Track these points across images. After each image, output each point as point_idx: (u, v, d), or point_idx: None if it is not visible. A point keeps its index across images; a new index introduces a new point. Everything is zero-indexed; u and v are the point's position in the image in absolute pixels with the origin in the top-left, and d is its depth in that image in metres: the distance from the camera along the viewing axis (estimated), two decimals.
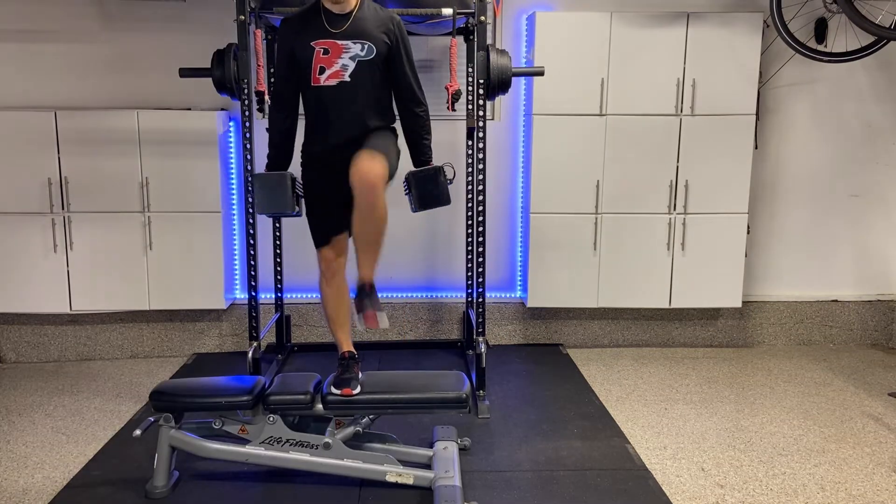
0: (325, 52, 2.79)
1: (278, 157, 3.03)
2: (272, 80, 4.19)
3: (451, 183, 3.07)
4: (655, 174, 4.34)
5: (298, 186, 3.03)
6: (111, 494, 2.84)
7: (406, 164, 3.07)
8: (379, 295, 2.88)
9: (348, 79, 2.81)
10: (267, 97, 3.66)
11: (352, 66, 2.80)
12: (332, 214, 2.97)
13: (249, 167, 3.65)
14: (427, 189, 2.94)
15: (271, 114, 3.01)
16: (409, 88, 2.94)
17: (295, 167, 3.08)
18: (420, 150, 3.04)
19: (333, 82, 2.82)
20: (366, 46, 2.80)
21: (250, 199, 3.66)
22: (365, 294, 2.83)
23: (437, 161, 3.11)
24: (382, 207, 2.70)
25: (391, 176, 2.84)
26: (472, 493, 2.82)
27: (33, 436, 3.42)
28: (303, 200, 3.07)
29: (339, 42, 2.80)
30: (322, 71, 2.81)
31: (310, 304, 4.60)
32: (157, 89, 4.35)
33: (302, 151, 3.06)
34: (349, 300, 3.00)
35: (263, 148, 4.19)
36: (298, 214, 3.08)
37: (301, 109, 2.99)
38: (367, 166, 2.67)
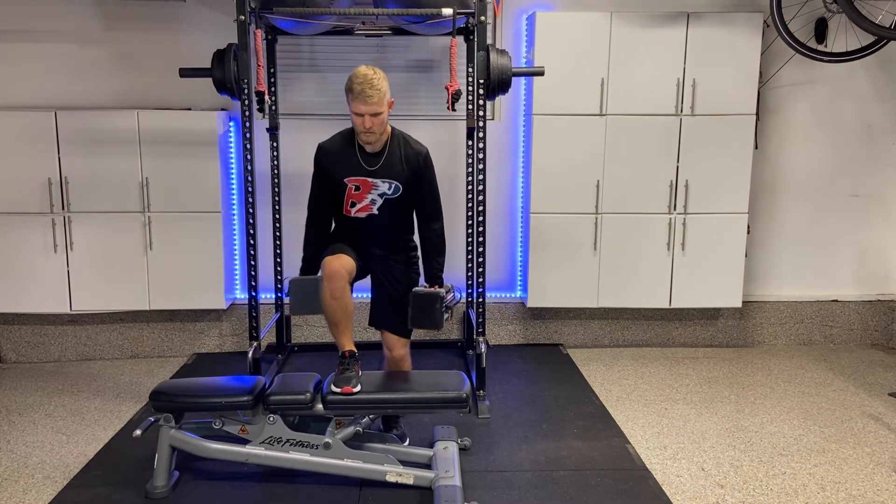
0: (357, 188, 2.99)
1: (310, 261, 3.16)
2: (272, 80, 4.21)
3: (457, 303, 3.20)
4: (655, 174, 4.34)
5: None
6: (111, 494, 2.84)
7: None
8: None
9: (376, 212, 3.02)
10: (267, 97, 3.66)
11: (380, 201, 3.01)
12: (347, 250, 3.05)
13: (249, 167, 3.65)
14: (422, 312, 3.07)
15: (308, 223, 3.15)
16: (427, 216, 3.12)
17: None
18: (431, 270, 3.18)
19: (363, 215, 3.04)
20: (393, 185, 2.99)
21: (250, 200, 3.65)
22: None
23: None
24: (408, 364, 3.24)
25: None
26: (472, 493, 2.82)
27: (33, 436, 3.42)
28: None
29: (370, 180, 2.99)
30: (353, 205, 3.02)
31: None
32: (158, 89, 4.35)
33: (334, 226, 3.18)
34: (353, 308, 3.02)
35: (264, 148, 4.23)
36: None
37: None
38: (397, 349, 3.17)
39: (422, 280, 3.20)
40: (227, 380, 3.00)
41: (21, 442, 3.36)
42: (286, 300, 4.48)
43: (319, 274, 3.03)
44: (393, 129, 3.05)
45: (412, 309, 3.08)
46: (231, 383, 2.94)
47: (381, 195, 3.00)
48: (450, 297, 3.14)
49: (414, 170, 3.01)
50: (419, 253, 3.19)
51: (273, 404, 2.86)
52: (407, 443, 3.14)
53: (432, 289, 3.11)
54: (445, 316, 3.11)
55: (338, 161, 3.01)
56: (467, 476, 2.94)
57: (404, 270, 3.15)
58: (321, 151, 3.06)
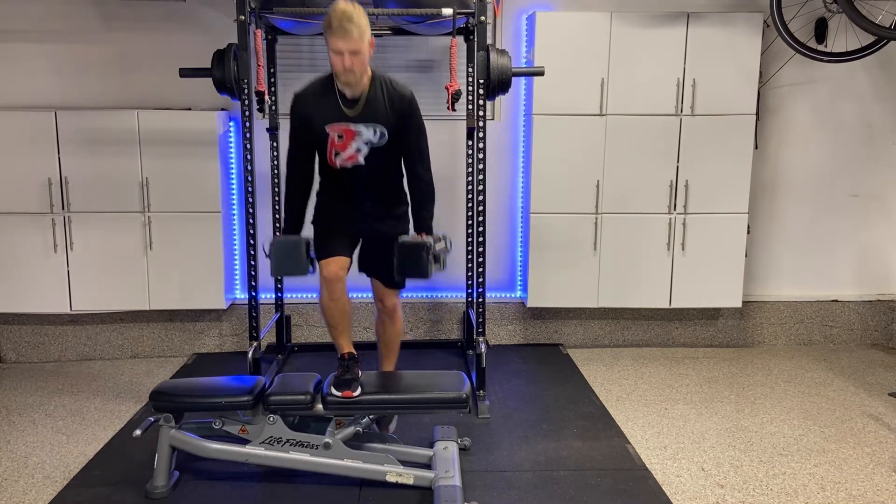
0: (340, 137, 2.85)
1: (293, 220, 3.07)
2: (272, 80, 4.21)
3: (449, 252, 3.10)
4: (655, 174, 4.34)
5: (312, 250, 3.08)
6: (111, 494, 2.84)
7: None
8: None
9: (363, 162, 2.90)
10: (267, 97, 3.67)
11: (365, 149, 2.88)
12: (340, 240, 3.00)
13: (250, 167, 3.65)
14: (408, 261, 2.96)
15: (287, 180, 3.04)
16: (414, 163, 2.99)
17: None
18: (419, 220, 3.07)
19: (349, 165, 2.91)
20: (377, 131, 2.86)
21: (250, 200, 3.66)
22: None
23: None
24: (399, 318, 3.26)
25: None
26: (472, 493, 2.82)
27: (33, 436, 3.42)
28: (315, 259, 3.10)
29: (353, 127, 2.85)
30: (337, 154, 2.89)
31: (310, 304, 4.60)
32: (158, 89, 4.35)
33: (318, 188, 3.10)
34: (350, 307, 3.02)
35: (264, 148, 4.22)
36: (313, 272, 3.11)
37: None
38: (389, 299, 3.16)
39: (412, 232, 3.10)
40: (227, 380, 3.00)
41: (21, 442, 3.36)
42: (286, 300, 4.49)
43: (302, 235, 2.98)
44: (374, 71, 2.88)
45: (398, 258, 2.96)
46: (231, 383, 2.94)
47: (366, 143, 2.86)
48: (439, 245, 3.02)
49: (399, 113, 2.87)
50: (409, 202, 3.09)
51: (273, 404, 2.86)
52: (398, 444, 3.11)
53: (419, 237, 3.01)
54: (435, 266, 2.99)
55: (316, 108, 2.86)
56: (467, 476, 2.94)
57: (396, 224, 3.06)
58: (297, 100, 2.90)
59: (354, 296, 3.21)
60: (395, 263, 2.97)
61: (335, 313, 2.97)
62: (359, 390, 2.86)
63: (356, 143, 2.86)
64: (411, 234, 3.06)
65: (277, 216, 4.30)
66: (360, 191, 2.98)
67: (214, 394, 2.87)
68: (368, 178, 2.95)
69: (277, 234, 3.08)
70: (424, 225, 3.05)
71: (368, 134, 2.85)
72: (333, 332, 3.04)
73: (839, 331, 4.79)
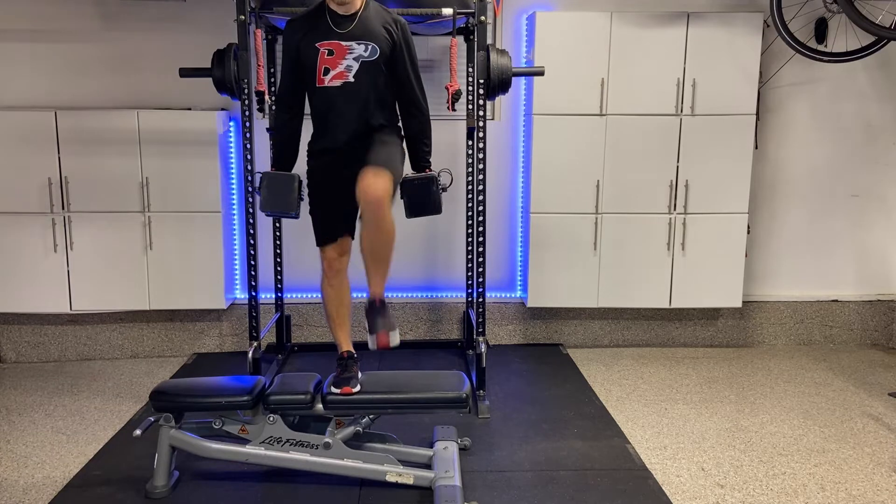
0: (330, 52, 2.81)
1: (283, 157, 3.02)
2: (272, 80, 4.21)
3: (445, 190, 3.06)
4: (655, 174, 4.34)
5: (304, 188, 3.04)
6: (111, 494, 2.84)
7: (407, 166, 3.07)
8: None
9: (352, 79, 2.82)
10: (267, 97, 3.67)
11: (356, 66, 2.81)
12: (337, 214, 2.97)
13: (250, 167, 3.65)
14: (418, 197, 2.94)
15: (277, 114, 3.01)
16: (409, 91, 2.94)
17: (301, 167, 3.08)
18: (419, 156, 3.04)
19: (338, 83, 2.83)
20: (369, 47, 2.81)
21: (250, 200, 3.66)
22: (376, 311, 2.87)
23: (436, 166, 3.11)
24: (389, 222, 2.72)
25: (397, 183, 2.85)
26: (472, 493, 2.82)
27: (33, 436, 3.42)
28: (303, 202, 3.07)
29: (344, 43, 2.81)
30: (326, 72, 2.82)
31: (310, 304, 4.60)
32: (158, 89, 4.35)
33: (308, 150, 3.04)
34: (350, 300, 3.01)
35: (264, 148, 4.22)
36: (297, 216, 3.08)
37: (307, 110, 2.99)
38: (373, 183, 2.67)
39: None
40: (227, 380, 3.00)
41: (21, 442, 3.36)
42: (286, 299, 4.49)
43: (294, 172, 2.93)
44: None
45: (407, 198, 2.91)
46: (231, 383, 2.94)
47: (356, 58, 2.79)
48: (443, 178, 3.00)
49: (392, 36, 2.84)
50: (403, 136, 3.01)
51: (273, 404, 2.86)
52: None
53: (424, 172, 2.97)
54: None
55: (307, 30, 2.83)
56: (467, 476, 2.94)
57: (388, 138, 2.90)
58: (289, 24, 2.89)
59: (355, 295, 3.20)
60: (404, 203, 2.90)
61: (334, 301, 2.96)
62: (358, 387, 2.86)
63: (346, 60, 2.80)
64: (409, 173, 3.01)
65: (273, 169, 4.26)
66: (349, 116, 2.84)
67: (214, 394, 2.87)
68: (358, 98, 2.83)
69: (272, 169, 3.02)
70: (423, 161, 3.00)
71: (360, 50, 2.80)
72: (332, 325, 3.03)
73: (839, 331, 4.79)
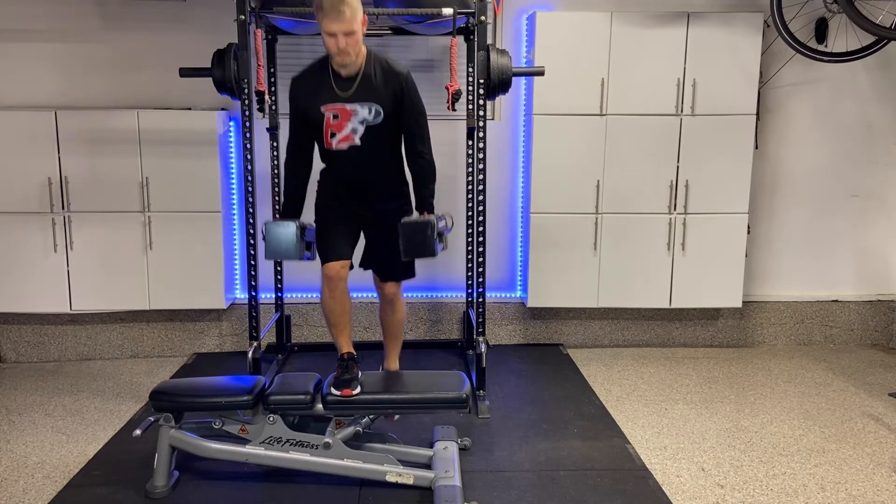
0: (335, 117, 2.84)
1: (290, 204, 3.07)
2: (272, 80, 4.21)
3: (450, 231, 3.09)
4: (655, 174, 4.33)
5: (308, 232, 3.07)
6: (111, 494, 2.84)
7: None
8: None
9: (358, 142, 2.87)
10: (267, 97, 3.67)
11: (361, 129, 2.85)
12: (341, 236, 2.99)
13: (250, 167, 3.65)
14: (413, 240, 2.93)
15: (286, 164, 3.05)
16: (415, 140, 2.98)
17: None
18: (420, 197, 3.05)
19: (344, 146, 2.89)
20: (373, 110, 2.84)
21: (250, 200, 3.66)
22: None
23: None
24: (401, 308, 3.21)
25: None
26: (472, 493, 2.82)
27: (33, 436, 3.42)
28: (313, 245, 3.11)
29: (348, 107, 2.84)
30: (333, 135, 2.87)
31: (310, 304, 4.60)
32: (158, 89, 4.35)
33: (319, 178, 3.09)
34: (351, 307, 3.02)
35: (264, 147, 4.23)
36: (310, 258, 3.12)
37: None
38: (390, 290, 3.13)
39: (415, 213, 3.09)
40: (227, 380, 3.00)
41: (21, 442, 3.36)
42: (286, 299, 4.49)
43: (299, 220, 2.98)
44: (369, 49, 2.89)
45: (403, 240, 2.93)
46: (231, 383, 2.94)
47: (361, 122, 2.84)
48: (442, 223, 3.01)
49: (395, 92, 2.86)
50: (411, 188, 3.07)
51: (273, 404, 2.86)
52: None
53: (422, 216, 2.98)
54: (440, 246, 2.98)
55: (312, 90, 2.87)
56: (467, 476, 2.94)
57: (396, 207, 3.03)
58: (294, 84, 2.93)
59: (355, 295, 3.21)
60: (400, 244, 2.93)
61: (336, 312, 2.97)
62: (358, 389, 2.86)
63: (352, 123, 2.84)
64: (414, 215, 3.04)
65: (277, 216, 4.30)
66: (358, 173, 2.95)
67: (214, 394, 2.87)
68: (366, 159, 2.91)
69: (276, 216, 3.06)
70: (426, 203, 3.03)
71: (364, 113, 2.84)
72: (333, 331, 3.04)
73: (839, 331, 4.79)
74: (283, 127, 4.31)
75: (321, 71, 2.90)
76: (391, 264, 3.06)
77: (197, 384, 3.04)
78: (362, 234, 3.13)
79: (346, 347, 3.00)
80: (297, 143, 3.00)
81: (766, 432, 3.45)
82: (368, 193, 3.00)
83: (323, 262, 2.99)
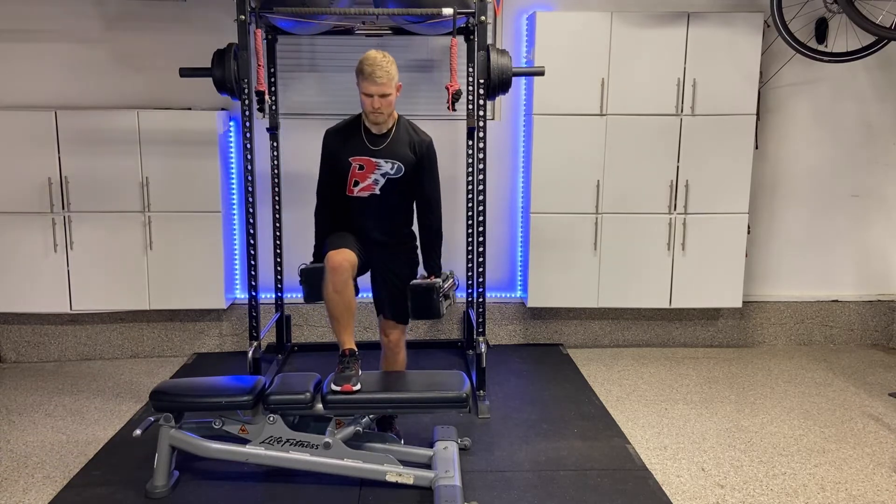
0: (361, 167, 3.06)
1: (322, 248, 3.18)
2: (272, 80, 4.21)
3: (448, 297, 3.22)
4: (655, 174, 4.33)
5: None
6: (111, 494, 2.84)
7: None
8: None
9: (378, 192, 3.08)
10: (267, 97, 3.66)
11: (382, 181, 3.07)
12: (350, 242, 3.08)
13: (250, 167, 3.65)
14: (421, 304, 3.15)
15: (318, 209, 3.23)
16: (427, 202, 3.18)
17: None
18: (429, 256, 3.25)
19: (365, 195, 3.09)
20: (395, 166, 3.06)
21: (250, 200, 3.65)
22: None
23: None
24: (403, 355, 3.29)
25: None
26: (472, 493, 2.82)
27: (33, 436, 3.42)
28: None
29: (374, 160, 3.06)
30: (356, 184, 3.08)
31: (310, 304, 4.59)
32: (158, 89, 4.35)
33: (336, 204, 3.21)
34: (356, 304, 3.02)
35: (264, 147, 4.23)
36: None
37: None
38: (392, 334, 3.25)
39: (421, 269, 3.25)
40: (227, 380, 3.00)
41: (21, 442, 3.36)
42: (286, 299, 4.49)
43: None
44: (400, 116, 3.14)
45: (411, 302, 3.15)
46: (231, 383, 2.94)
47: (383, 175, 3.06)
48: (447, 284, 3.20)
49: (418, 155, 3.09)
50: (418, 243, 3.25)
51: (273, 404, 2.86)
52: (402, 443, 3.13)
53: (429, 280, 3.18)
54: (446, 303, 3.18)
55: (344, 142, 3.10)
56: (467, 476, 2.94)
57: (403, 262, 3.21)
58: (328, 135, 3.16)
59: (358, 296, 3.19)
60: (409, 307, 3.15)
61: (339, 306, 2.97)
62: (358, 385, 2.86)
63: (374, 175, 3.06)
64: (420, 275, 3.22)
65: (278, 216, 4.31)
66: (371, 221, 3.14)
67: (214, 393, 2.87)
68: (381, 207, 3.11)
69: (309, 262, 3.28)
70: (434, 267, 3.23)
71: (387, 167, 3.06)
72: (336, 326, 3.03)
73: (839, 331, 4.79)
74: (282, 127, 4.33)
75: (354, 126, 3.12)
76: (395, 312, 3.22)
77: (197, 384, 3.04)
78: (369, 274, 3.26)
79: (347, 343, 2.99)
80: (327, 189, 3.19)
81: (766, 432, 3.45)
82: (377, 239, 3.16)
83: (327, 253, 2.99)
